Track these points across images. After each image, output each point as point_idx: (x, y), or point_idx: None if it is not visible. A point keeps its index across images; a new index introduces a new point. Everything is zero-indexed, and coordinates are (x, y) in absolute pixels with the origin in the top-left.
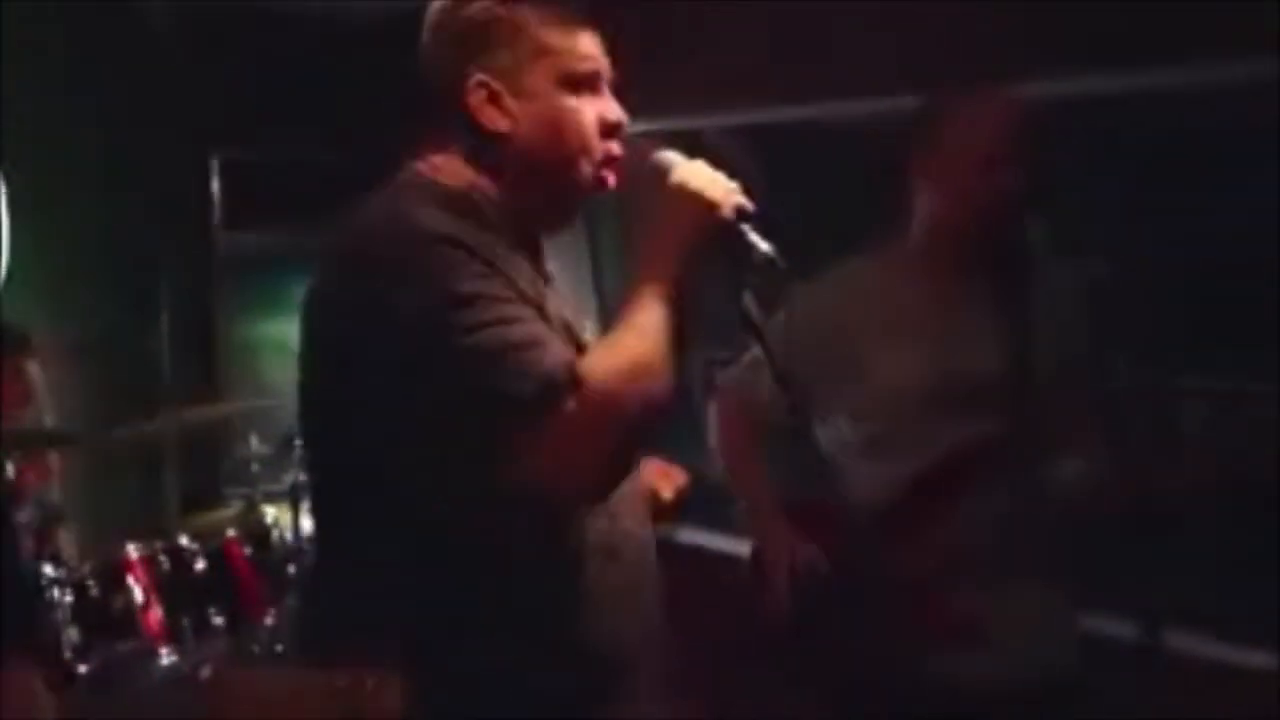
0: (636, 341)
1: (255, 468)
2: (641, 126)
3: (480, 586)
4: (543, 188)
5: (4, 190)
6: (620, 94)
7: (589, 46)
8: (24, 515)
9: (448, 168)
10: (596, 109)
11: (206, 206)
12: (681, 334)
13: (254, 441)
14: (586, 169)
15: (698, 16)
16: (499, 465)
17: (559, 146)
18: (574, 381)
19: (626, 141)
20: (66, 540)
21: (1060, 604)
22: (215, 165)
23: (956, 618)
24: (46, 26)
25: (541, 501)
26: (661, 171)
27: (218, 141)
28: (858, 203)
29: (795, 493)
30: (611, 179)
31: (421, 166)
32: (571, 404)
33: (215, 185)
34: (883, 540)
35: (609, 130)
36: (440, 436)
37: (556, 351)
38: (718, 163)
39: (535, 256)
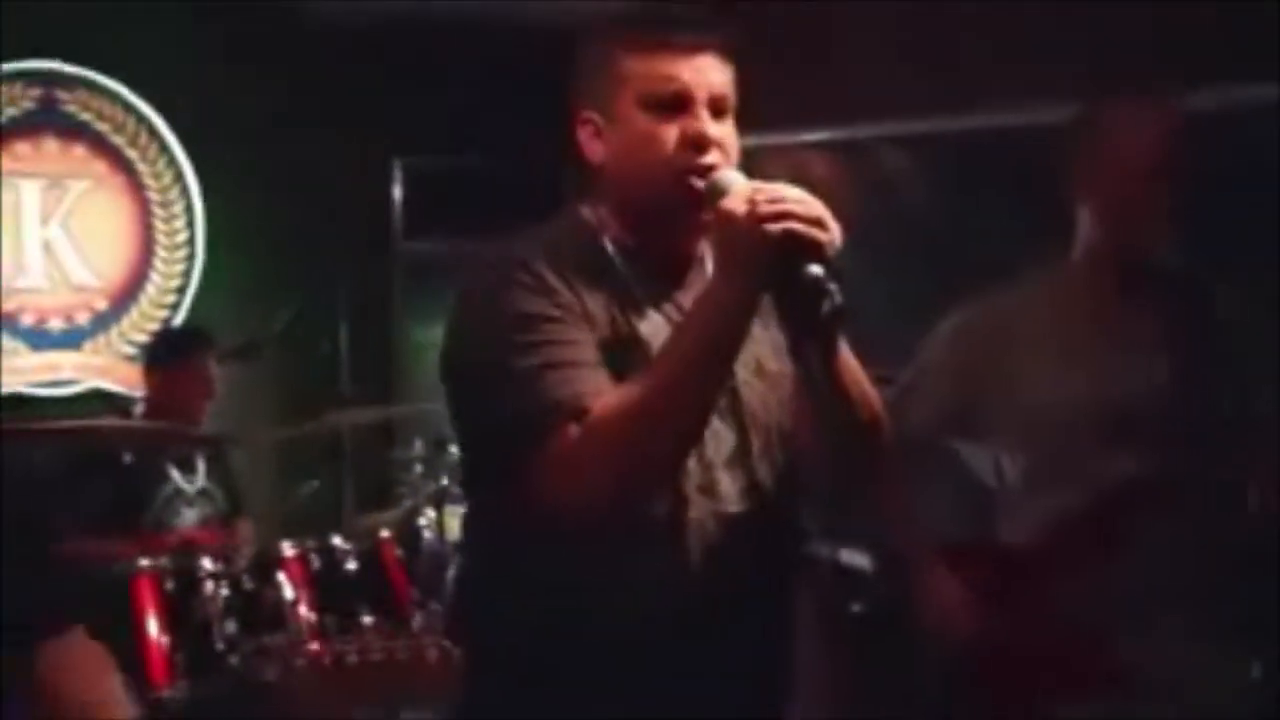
0: (656, 375)
1: (417, 470)
2: (795, 137)
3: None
4: (636, 211)
5: (200, 199)
6: (745, 113)
7: (672, 68)
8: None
9: (586, 202)
10: (680, 127)
11: (388, 212)
12: (727, 362)
13: (417, 445)
14: (666, 185)
15: (850, 25)
16: (513, 483)
17: (636, 166)
18: (581, 412)
19: (783, 152)
20: (245, 533)
21: (1226, 651)
22: (397, 172)
23: (1114, 665)
24: (235, 34)
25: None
26: (716, 194)
27: (401, 148)
28: (1017, 216)
29: (945, 525)
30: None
31: (574, 201)
32: (573, 432)
33: (397, 192)
34: (1038, 580)
35: (693, 144)
36: (479, 445)
37: (579, 380)
38: (817, 179)
39: (665, 285)
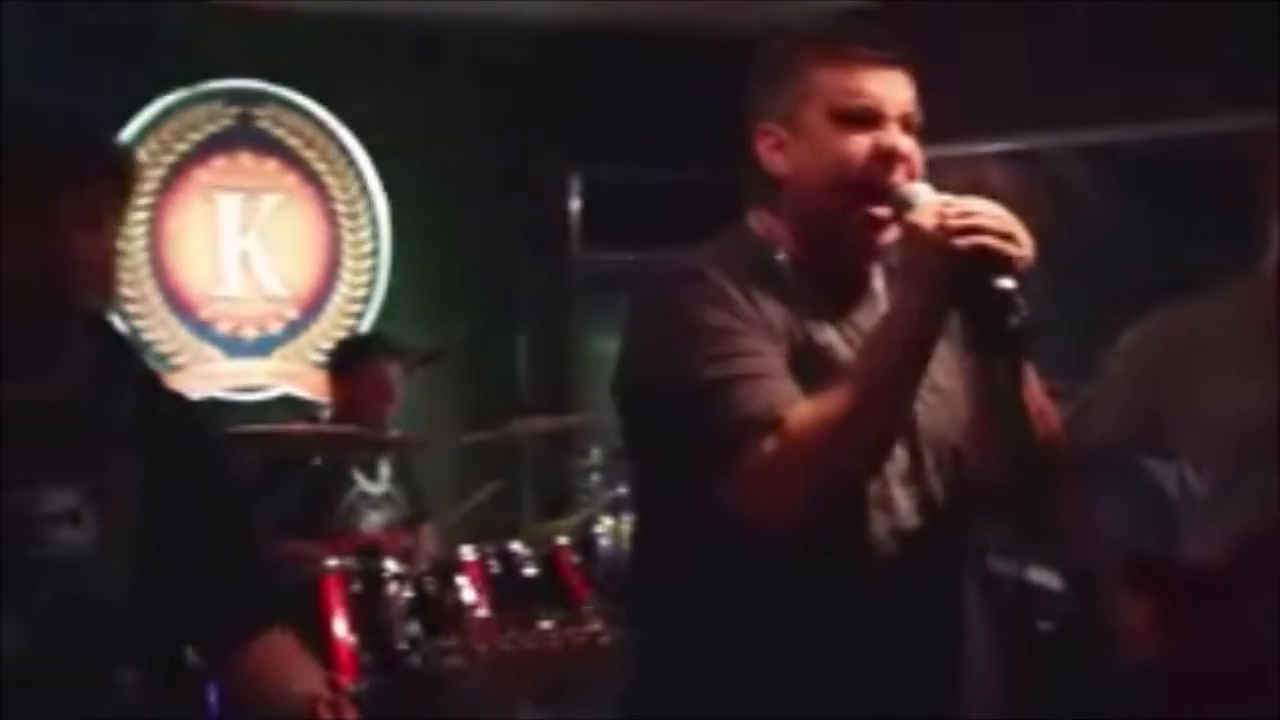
0: (850, 388)
1: (595, 479)
2: (973, 149)
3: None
4: (815, 225)
5: (385, 211)
6: (930, 128)
7: (864, 83)
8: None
9: (757, 217)
10: (871, 141)
11: (566, 224)
12: (917, 375)
13: (595, 453)
14: (851, 199)
15: (1029, 37)
16: (704, 490)
17: (822, 178)
18: (776, 424)
19: (961, 164)
20: (426, 538)
21: None
22: (575, 184)
23: None
24: (419, 48)
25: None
26: (903, 207)
27: (579, 160)
28: (1202, 226)
29: (1129, 541)
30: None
31: (752, 214)
32: (769, 446)
33: (574, 204)
34: (1227, 597)
35: (884, 159)
36: (663, 457)
37: (770, 393)
38: (996, 190)
39: (836, 302)
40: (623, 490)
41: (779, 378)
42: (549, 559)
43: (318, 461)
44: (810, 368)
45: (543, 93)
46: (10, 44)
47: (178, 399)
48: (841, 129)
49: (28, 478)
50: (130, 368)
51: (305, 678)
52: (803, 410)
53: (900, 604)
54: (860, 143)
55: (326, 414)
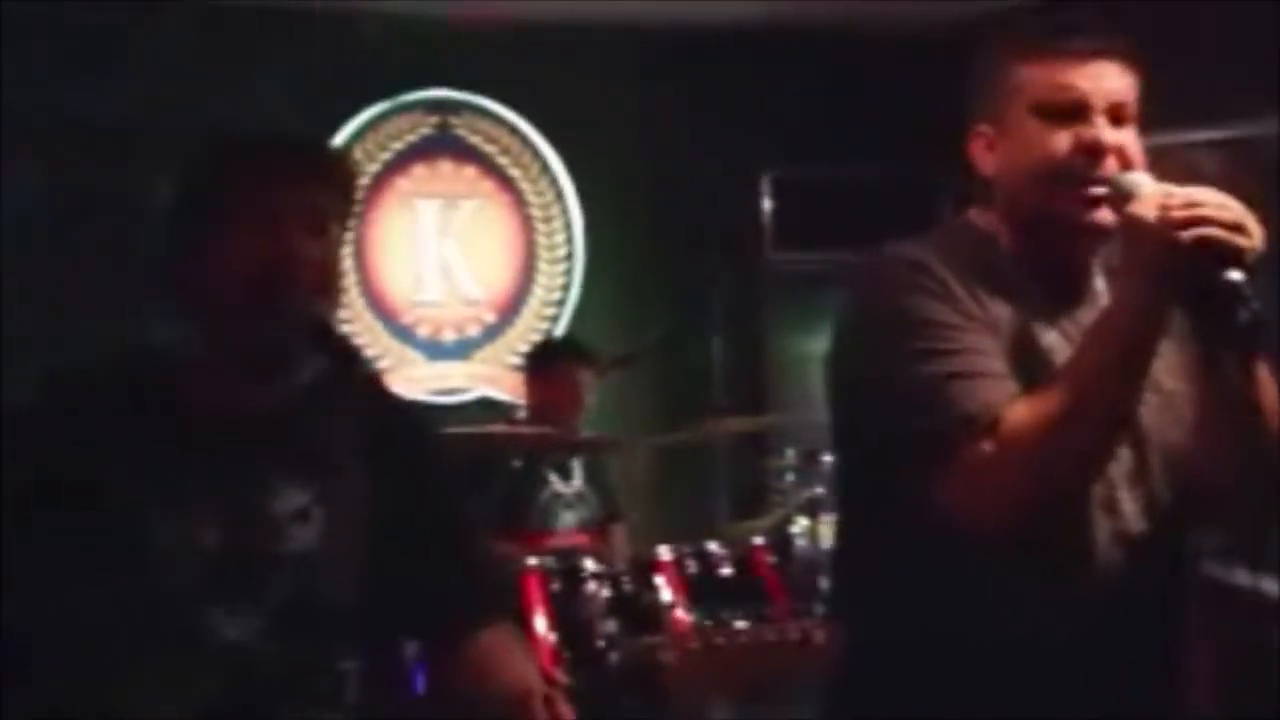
0: (1069, 387)
1: (789, 479)
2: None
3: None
4: (1028, 221)
5: (579, 215)
6: (1147, 120)
7: (1068, 76)
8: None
9: (976, 215)
10: (1074, 134)
11: (758, 225)
12: (1141, 372)
13: (789, 454)
14: (1058, 192)
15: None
16: (920, 487)
17: (1027, 175)
18: (994, 423)
19: (1173, 153)
20: (620, 537)
21: None
22: (766, 184)
23: None
24: (609, 54)
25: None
26: (1122, 197)
27: (770, 160)
28: None
29: None
30: (1096, 203)
31: (970, 210)
32: (986, 445)
33: (766, 204)
34: None
35: (1088, 151)
36: (874, 455)
37: (989, 391)
38: (1209, 179)
39: (1056, 298)
40: (819, 490)
41: (999, 376)
42: (745, 559)
43: (517, 463)
44: (1031, 366)
45: (733, 94)
46: (221, 60)
47: (399, 400)
48: (1045, 124)
49: (261, 479)
50: (354, 370)
51: (522, 671)
52: (1020, 409)
53: (1120, 609)
54: (1062, 137)
55: (522, 415)
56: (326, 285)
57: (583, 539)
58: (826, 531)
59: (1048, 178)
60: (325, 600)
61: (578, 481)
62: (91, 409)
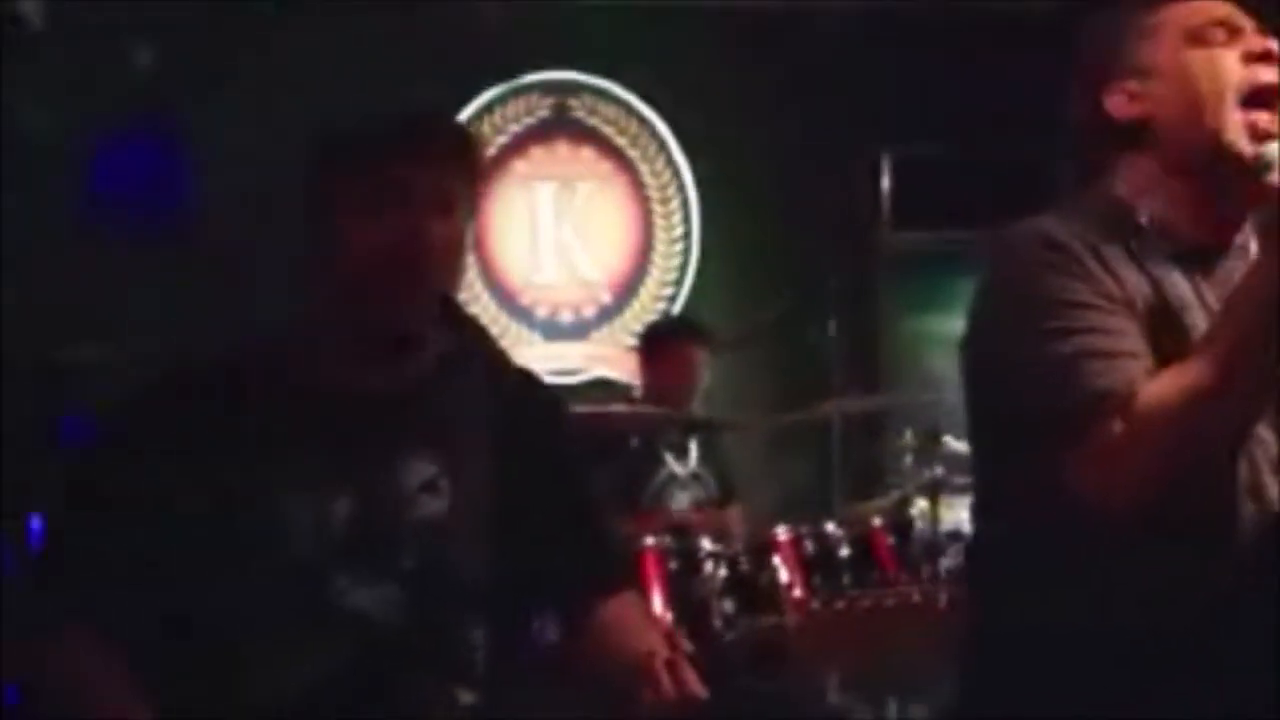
0: (1204, 366)
1: (908, 459)
2: None
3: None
4: (1196, 154)
5: (695, 194)
6: None
7: (1219, 9)
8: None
9: (1115, 177)
10: (1237, 49)
11: (877, 203)
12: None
13: (908, 435)
14: (1232, 115)
15: None
16: (1053, 468)
17: (1193, 100)
18: (1129, 401)
19: None
20: (736, 519)
21: None
22: (886, 163)
23: None
24: (726, 33)
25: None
26: (1264, 168)
27: (889, 139)
28: None
29: None
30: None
31: (1101, 178)
32: (1118, 423)
33: (885, 182)
34: None
35: (1258, 59)
36: (1007, 434)
37: (1124, 369)
38: None
39: (1205, 269)
40: (940, 472)
41: (1132, 354)
42: (863, 540)
43: (634, 443)
44: (1172, 340)
45: (851, 72)
46: (336, 48)
47: (527, 375)
48: (1204, 47)
49: (391, 452)
50: (483, 347)
51: (647, 637)
52: (1156, 385)
53: (1264, 595)
54: (1228, 54)
55: (637, 395)
56: (453, 264)
57: (698, 519)
58: (947, 514)
59: (1219, 93)
60: (454, 571)
61: (693, 463)
62: (223, 387)
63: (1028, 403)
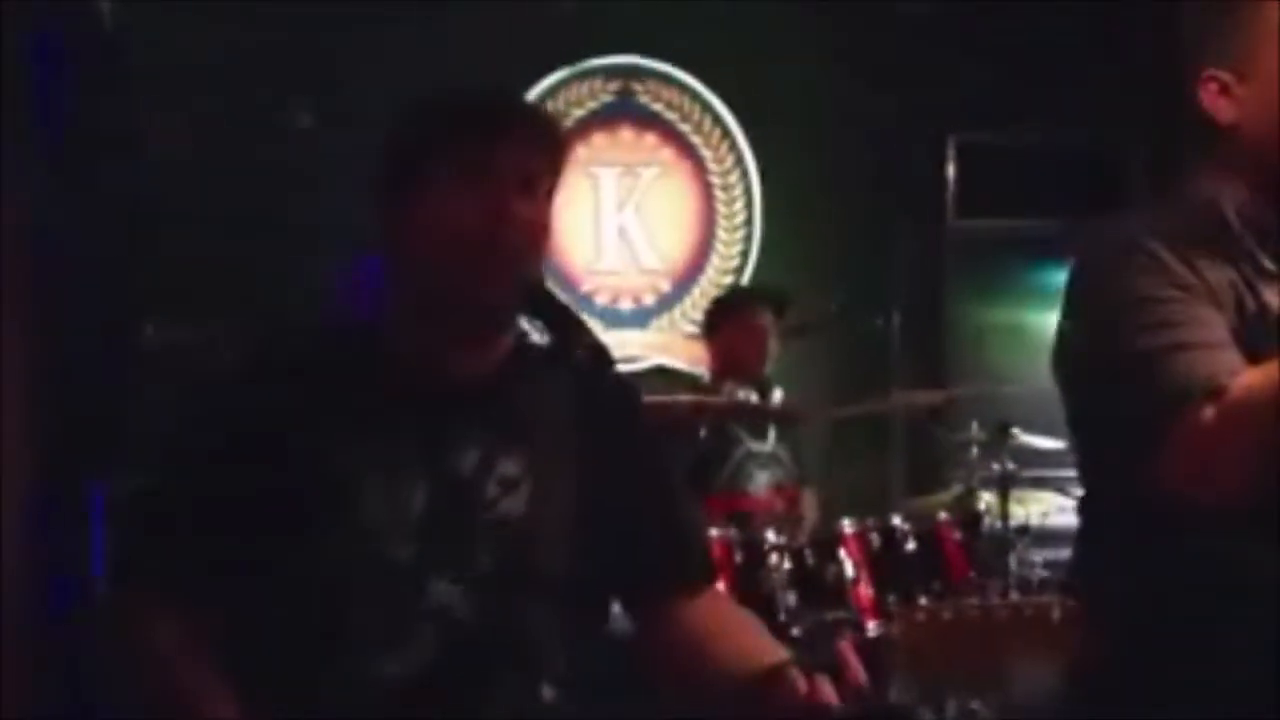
0: None
1: (974, 453)
2: None
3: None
4: (1276, 174)
5: (758, 180)
6: None
7: None
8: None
9: (1204, 174)
10: None
11: (941, 190)
12: None
13: (974, 427)
14: None
15: None
16: (1140, 463)
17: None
18: (1218, 392)
19: None
20: (810, 503)
21: None
22: (951, 149)
23: None
24: (792, 19)
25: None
26: None
27: (955, 125)
28: None
29: None
30: None
31: (1191, 175)
32: (1209, 413)
33: (950, 169)
34: None
35: None
36: (1098, 425)
37: (1211, 361)
38: None
39: None
40: (1011, 466)
41: (1221, 347)
42: (930, 534)
43: (703, 433)
44: (1263, 334)
45: (917, 59)
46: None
47: (615, 369)
48: None
49: (471, 441)
50: (573, 336)
51: (763, 638)
52: (1252, 375)
53: None
54: None
55: (706, 380)
56: (537, 246)
57: (776, 501)
58: (1018, 508)
59: None
60: (534, 566)
61: (771, 442)
62: (304, 371)
63: (1122, 398)
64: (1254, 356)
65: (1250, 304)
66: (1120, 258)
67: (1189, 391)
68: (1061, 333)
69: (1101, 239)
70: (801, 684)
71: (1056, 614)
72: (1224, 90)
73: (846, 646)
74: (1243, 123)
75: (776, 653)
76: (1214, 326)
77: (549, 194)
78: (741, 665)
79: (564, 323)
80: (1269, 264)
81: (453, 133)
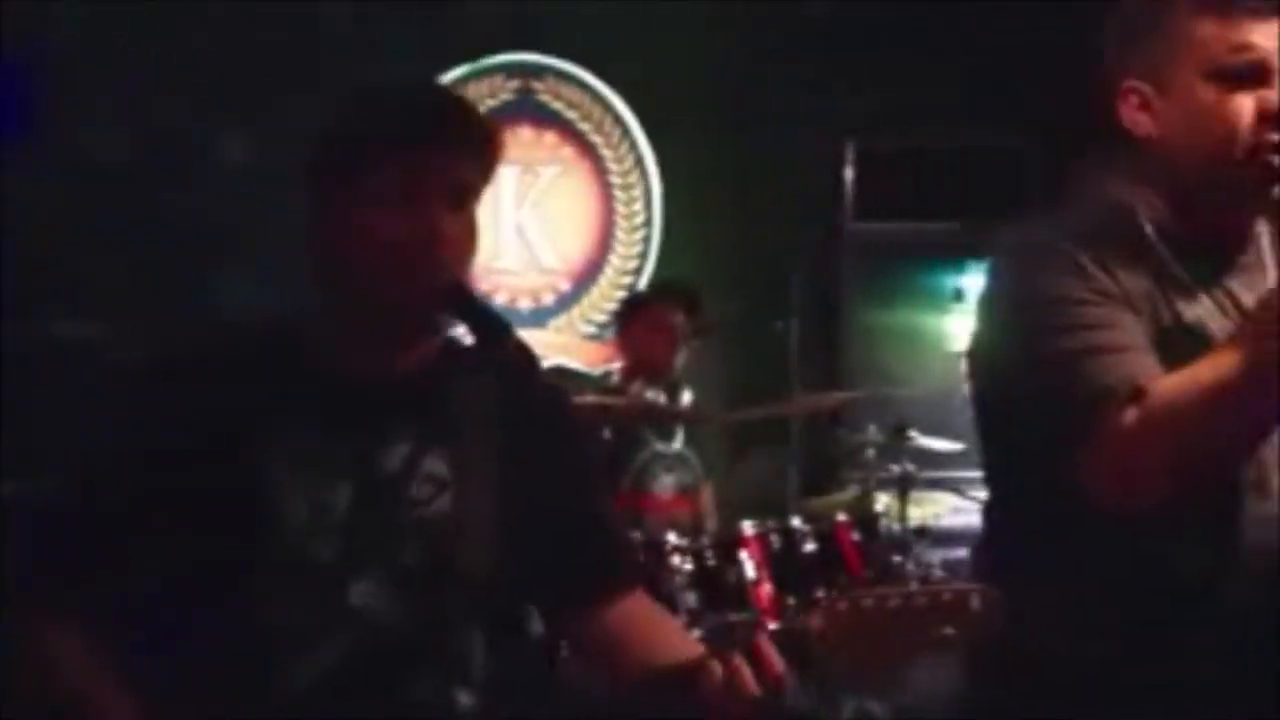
0: (1231, 358)
1: (870, 455)
2: None
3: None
4: (1193, 189)
5: (659, 184)
6: None
7: (1247, 35)
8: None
9: (1119, 183)
10: (1255, 100)
11: (840, 193)
12: None
13: (870, 429)
14: (1233, 164)
15: None
16: (1059, 465)
17: (1197, 143)
18: (1136, 394)
19: None
20: (707, 499)
21: None
22: (850, 152)
23: None
24: (692, 21)
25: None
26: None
27: (854, 128)
28: None
29: None
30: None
31: (1097, 179)
32: (1129, 416)
33: (849, 172)
34: None
35: (1271, 120)
36: (1014, 428)
37: (1129, 364)
38: None
39: (1213, 268)
40: (910, 468)
41: (1139, 351)
42: (829, 536)
43: (607, 434)
44: (1177, 344)
45: (817, 63)
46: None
47: (541, 371)
48: (1221, 88)
49: (396, 443)
50: (499, 340)
51: (685, 637)
52: (1174, 379)
53: (1266, 590)
54: (1243, 104)
55: (615, 379)
56: (466, 254)
57: (681, 504)
58: (915, 510)
59: (1226, 150)
60: (455, 570)
61: (678, 443)
62: (222, 369)
63: (1039, 401)
64: (1168, 366)
65: (1165, 314)
66: (1038, 262)
67: (1109, 394)
68: (978, 336)
69: (1019, 243)
70: (721, 672)
71: (975, 602)
72: (1143, 103)
73: (764, 639)
74: (1160, 136)
75: (698, 653)
76: (1131, 331)
77: (477, 194)
78: (665, 665)
79: (490, 325)
80: (1182, 275)
81: (387, 137)
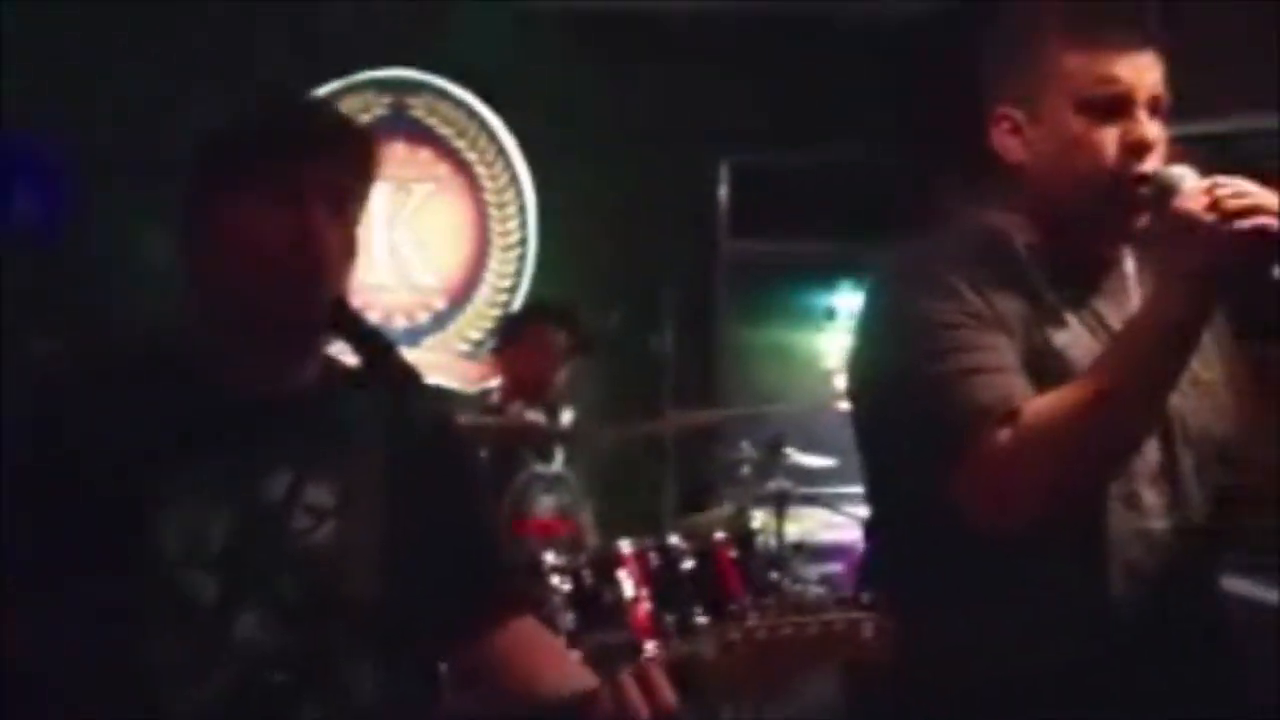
0: (1101, 378)
1: (745, 472)
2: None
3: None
4: (1062, 214)
5: (534, 201)
6: (1169, 110)
7: (1114, 68)
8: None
9: (993, 208)
10: (1120, 131)
11: (714, 211)
12: (1177, 371)
13: (745, 446)
14: (1104, 191)
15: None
16: (939, 485)
17: (1065, 171)
18: (1011, 415)
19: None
20: (585, 520)
21: None
22: (725, 170)
23: None
24: (567, 39)
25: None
26: (1165, 193)
27: (728, 146)
28: None
29: None
30: (1142, 205)
31: (971, 205)
32: (1003, 436)
33: (723, 190)
34: None
35: (1134, 150)
36: (893, 448)
37: (1003, 385)
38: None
39: (1081, 292)
40: (786, 484)
41: (1013, 372)
42: (707, 553)
43: (483, 453)
44: (1046, 366)
45: (692, 79)
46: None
47: (428, 391)
48: (1088, 118)
49: (277, 464)
50: (384, 359)
51: (571, 666)
52: (1046, 399)
53: (1142, 605)
54: (1109, 134)
55: (494, 397)
56: (345, 266)
57: (560, 526)
58: (791, 526)
59: (1090, 176)
60: (341, 598)
61: (558, 464)
62: (99, 390)
63: (916, 422)
64: (1038, 388)
65: (1036, 336)
66: (915, 284)
67: (984, 414)
68: (856, 357)
69: (896, 265)
70: (611, 700)
71: (868, 630)
72: (1015, 129)
73: (654, 668)
74: (1030, 163)
75: (588, 679)
76: (1005, 353)
77: (357, 211)
78: (555, 691)
79: (373, 343)
80: (1053, 299)
81: (261, 149)
